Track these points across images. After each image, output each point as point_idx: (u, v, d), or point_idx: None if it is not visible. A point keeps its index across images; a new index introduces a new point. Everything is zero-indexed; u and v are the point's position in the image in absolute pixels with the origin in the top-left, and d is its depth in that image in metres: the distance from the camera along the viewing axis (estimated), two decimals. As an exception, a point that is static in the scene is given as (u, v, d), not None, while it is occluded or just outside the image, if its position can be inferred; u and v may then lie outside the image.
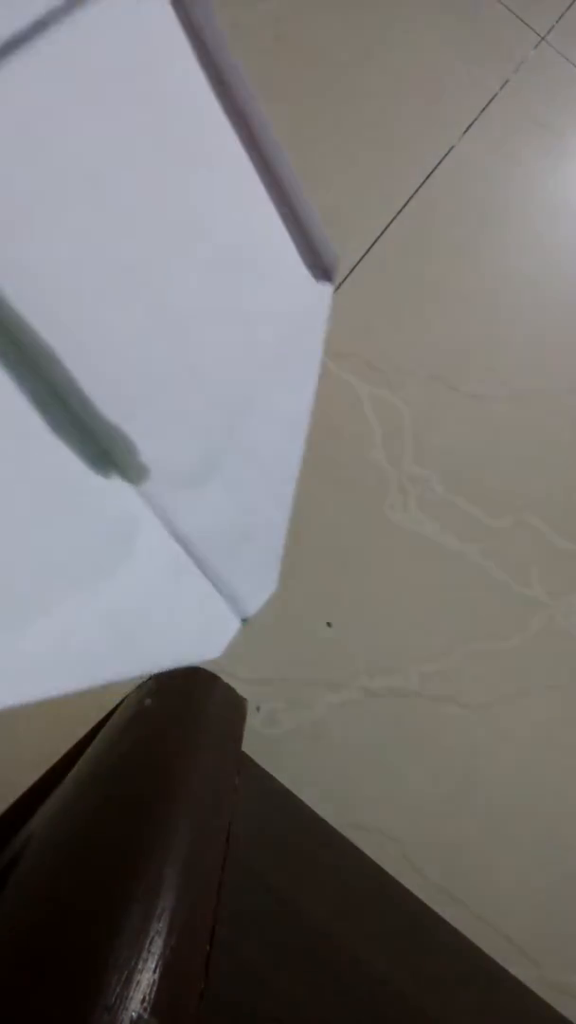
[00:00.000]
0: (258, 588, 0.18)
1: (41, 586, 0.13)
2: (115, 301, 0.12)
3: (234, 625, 0.18)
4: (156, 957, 0.26)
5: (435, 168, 0.62)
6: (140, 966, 0.25)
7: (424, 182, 0.62)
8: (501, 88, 0.63)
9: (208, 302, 0.14)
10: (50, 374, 0.11)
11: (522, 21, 0.63)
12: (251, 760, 0.58)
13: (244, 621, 0.18)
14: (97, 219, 0.12)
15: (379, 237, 0.62)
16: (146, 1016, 0.23)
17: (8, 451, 0.12)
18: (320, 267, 0.16)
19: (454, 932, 0.59)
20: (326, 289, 0.16)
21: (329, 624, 0.60)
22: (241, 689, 0.59)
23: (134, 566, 0.14)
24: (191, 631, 0.17)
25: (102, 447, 0.13)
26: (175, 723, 0.49)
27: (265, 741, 0.60)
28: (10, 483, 0.12)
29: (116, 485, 0.13)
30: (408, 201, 0.62)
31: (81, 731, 0.60)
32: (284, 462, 0.17)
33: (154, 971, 0.25)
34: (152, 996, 0.24)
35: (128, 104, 0.12)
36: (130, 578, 0.14)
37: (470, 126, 0.63)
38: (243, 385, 0.15)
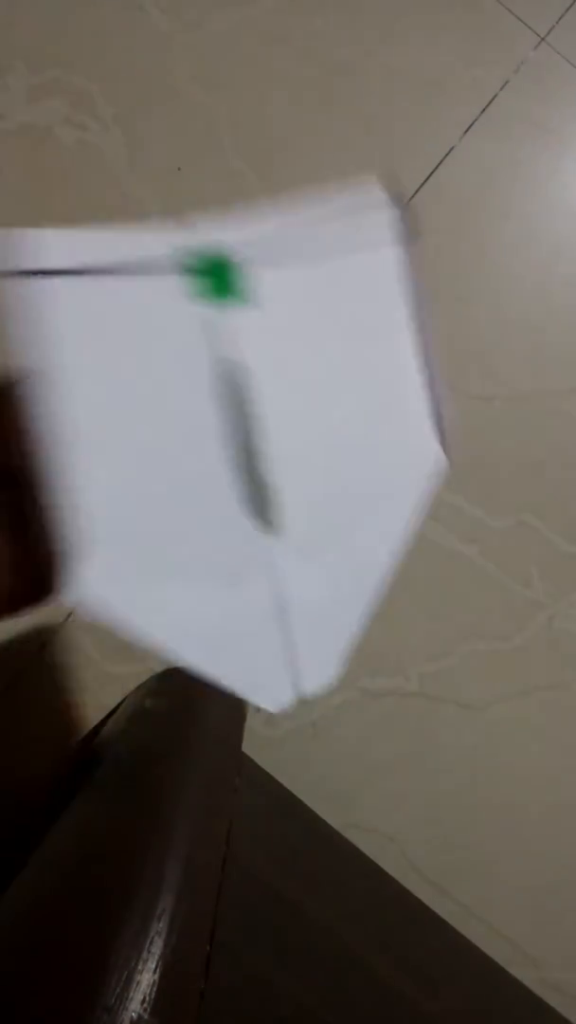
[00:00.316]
0: (319, 674, 0.20)
1: (177, 568, 0.18)
2: (304, 424, 0.19)
3: (287, 696, 0.19)
4: (156, 957, 0.26)
5: (435, 168, 0.62)
6: (140, 966, 0.25)
7: (424, 182, 0.62)
8: (501, 88, 0.63)
9: (358, 437, 0.20)
10: (253, 442, 0.18)
11: (522, 21, 0.63)
12: (251, 760, 0.58)
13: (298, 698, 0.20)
14: (301, 375, 0.19)
15: (379, 237, 0.62)
16: (146, 1016, 0.23)
17: (196, 477, 0.18)
18: (440, 430, 0.21)
19: (454, 932, 0.59)
20: (440, 450, 0.21)
21: (329, 624, 0.60)
22: (241, 689, 0.59)
23: (235, 595, 0.19)
24: (252, 676, 0.19)
25: (257, 498, 0.18)
26: (175, 723, 0.49)
27: (265, 741, 0.60)
28: (189, 496, 0.17)
29: (251, 528, 0.18)
30: (408, 201, 0.62)
31: (81, 731, 0.60)
32: (373, 576, 0.21)
33: (154, 971, 0.25)
34: (152, 996, 0.24)
35: (340, 305, 0.20)
36: (228, 602, 0.18)
37: (470, 126, 0.63)
38: (363, 504, 0.20)
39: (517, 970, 0.61)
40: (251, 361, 0.18)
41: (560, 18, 0.63)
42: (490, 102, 0.63)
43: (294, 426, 0.19)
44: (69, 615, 0.56)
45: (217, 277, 0.18)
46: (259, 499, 0.18)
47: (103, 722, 0.59)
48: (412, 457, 0.21)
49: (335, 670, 0.20)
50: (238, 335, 0.18)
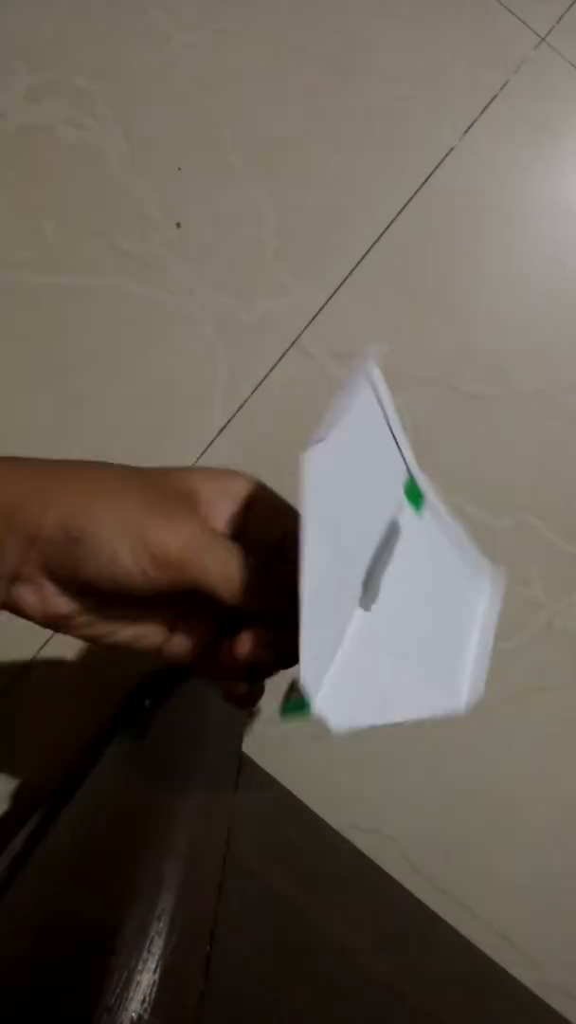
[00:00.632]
0: (331, 707, 0.24)
1: (339, 569, 0.26)
2: (397, 584, 0.28)
3: (313, 695, 0.23)
4: (156, 957, 0.26)
5: (435, 168, 0.62)
6: (140, 966, 0.25)
7: (424, 182, 0.62)
8: (501, 88, 0.63)
9: (420, 635, 0.30)
10: (382, 560, 0.28)
11: (522, 21, 0.63)
12: (251, 760, 0.58)
13: (307, 709, 0.24)
14: (412, 561, 0.29)
15: (379, 238, 0.62)
16: (146, 1016, 0.23)
17: (363, 544, 0.27)
18: (475, 686, 0.29)
19: (454, 932, 0.59)
20: (467, 698, 0.29)
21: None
22: (241, 689, 0.59)
23: (342, 607, 0.26)
24: (315, 658, 0.25)
25: (369, 582, 0.27)
26: (174, 723, 0.49)
27: (265, 742, 0.60)
28: (355, 551, 0.27)
29: (359, 591, 0.27)
30: (408, 201, 0.62)
31: (78, 733, 0.60)
32: (391, 715, 0.26)
33: (154, 971, 0.25)
34: (152, 996, 0.24)
35: (446, 566, 0.32)
36: (338, 608, 0.26)
37: (470, 126, 0.63)
38: (410, 668, 0.28)
39: (518, 971, 0.61)
40: (403, 526, 0.29)
41: (560, 18, 0.63)
42: (490, 102, 0.63)
43: (395, 577, 0.28)
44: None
45: (412, 484, 0.31)
46: (369, 584, 0.27)
47: (101, 722, 0.59)
48: (447, 690, 0.29)
49: (337, 724, 0.24)
50: (405, 512, 0.30)
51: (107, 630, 0.29)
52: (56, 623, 0.28)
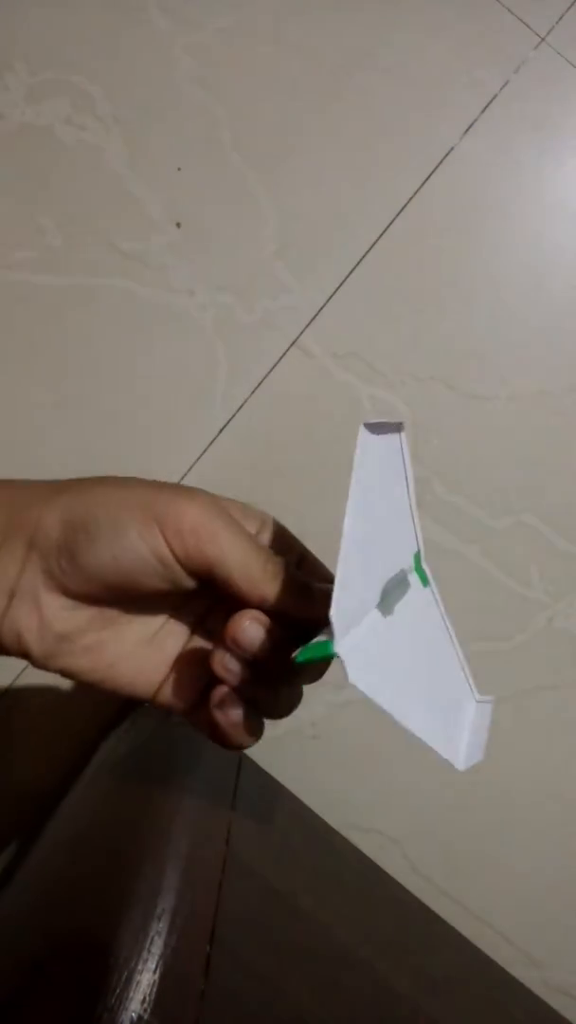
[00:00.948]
0: (365, 678, 0.23)
1: (364, 576, 0.26)
2: (398, 628, 0.27)
3: (337, 639, 0.23)
4: (156, 957, 0.26)
5: (435, 168, 0.62)
6: (140, 966, 0.25)
7: (424, 182, 0.62)
8: (501, 89, 0.63)
9: (421, 680, 0.28)
10: (398, 588, 0.29)
11: (522, 21, 0.63)
12: (251, 761, 0.58)
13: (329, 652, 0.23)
14: (413, 617, 0.29)
15: (379, 237, 0.62)
16: (146, 1016, 0.23)
17: (387, 570, 0.28)
18: (472, 755, 0.28)
19: (454, 932, 0.59)
20: (467, 761, 0.27)
21: (329, 624, 0.60)
22: (241, 689, 0.59)
23: (371, 595, 0.26)
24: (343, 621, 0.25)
25: (388, 596, 0.27)
26: (173, 723, 0.49)
27: (265, 741, 0.60)
28: (381, 571, 0.27)
29: (378, 594, 0.27)
30: (408, 201, 0.62)
31: (84, 730, 0.60)
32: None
33: (154, 971, 0.25)
34: (152, 996, 0.24)
35: (423, 621, 0.31)
36: (367, 599, 0.26)
37: (470, 126, 0.63)
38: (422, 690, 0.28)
39: (519, 971, 0.61)
40: (411, 582, 0.30)
41: (560, 18, 0.63)
42: (490, 102, 0.63)
43: (405, 615, 0.28)
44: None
45: (419, 561, 0.31)
46: (388, 597, 0.27)
47: (104, 722, 0.59)
48: (447, 735, 0.28)
49: (355, 676, 0.23)
50: (413, 576, 0.30)
51: (105, 659, 0.28)
52: (53, 652, 0.26)
